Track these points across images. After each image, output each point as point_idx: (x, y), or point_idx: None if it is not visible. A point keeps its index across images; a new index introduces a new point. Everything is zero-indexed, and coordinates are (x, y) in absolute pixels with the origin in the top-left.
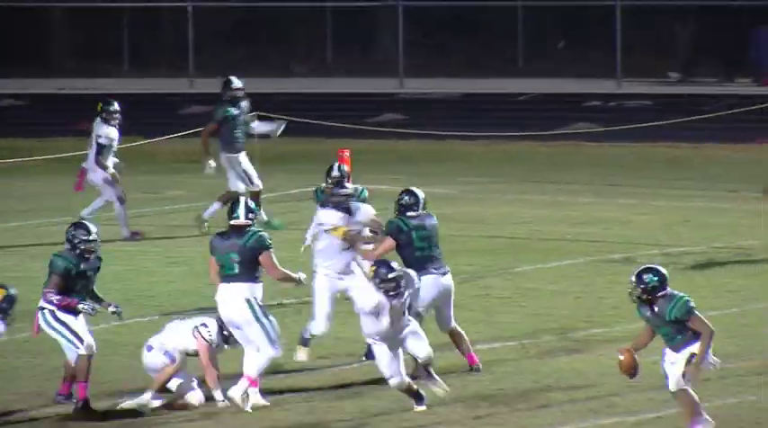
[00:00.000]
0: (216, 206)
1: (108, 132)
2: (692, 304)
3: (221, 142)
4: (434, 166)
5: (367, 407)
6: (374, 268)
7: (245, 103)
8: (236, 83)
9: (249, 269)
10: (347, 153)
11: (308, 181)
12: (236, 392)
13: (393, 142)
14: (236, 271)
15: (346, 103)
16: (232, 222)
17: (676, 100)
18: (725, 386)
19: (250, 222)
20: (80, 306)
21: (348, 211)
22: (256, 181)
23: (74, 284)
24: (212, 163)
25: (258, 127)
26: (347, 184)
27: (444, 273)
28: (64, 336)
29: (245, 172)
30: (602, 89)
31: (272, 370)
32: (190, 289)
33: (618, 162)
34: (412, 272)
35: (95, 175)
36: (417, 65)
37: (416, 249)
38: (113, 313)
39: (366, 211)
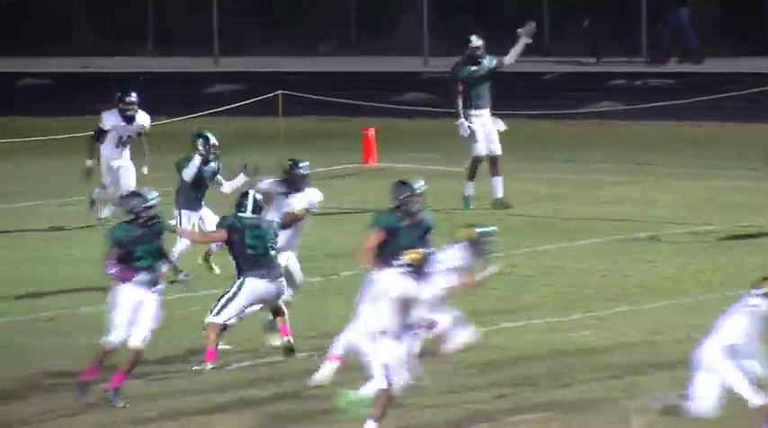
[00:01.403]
0: (470, 184)
1: (112, 120)
2: None
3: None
4: (459, 145)
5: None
6: None
7: (485, 60)
8: (476, 41)
9: None
10: (371, 132)
11: (332, 159)
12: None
13: (418, 121)
14: None
15: (371, 82)
16: None
17: (700, 79)
18: None
19: None
20: (136, 277)
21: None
22: (495, 146)
23: (132, 251)
24: (467, 124)
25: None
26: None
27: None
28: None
29: (485, 135)
30: (626, 68)
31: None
32: (199, 272)
33: (642, 141)
34: None
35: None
36: (442, 44)
37: (248, 247)
38: (181, 282)
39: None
